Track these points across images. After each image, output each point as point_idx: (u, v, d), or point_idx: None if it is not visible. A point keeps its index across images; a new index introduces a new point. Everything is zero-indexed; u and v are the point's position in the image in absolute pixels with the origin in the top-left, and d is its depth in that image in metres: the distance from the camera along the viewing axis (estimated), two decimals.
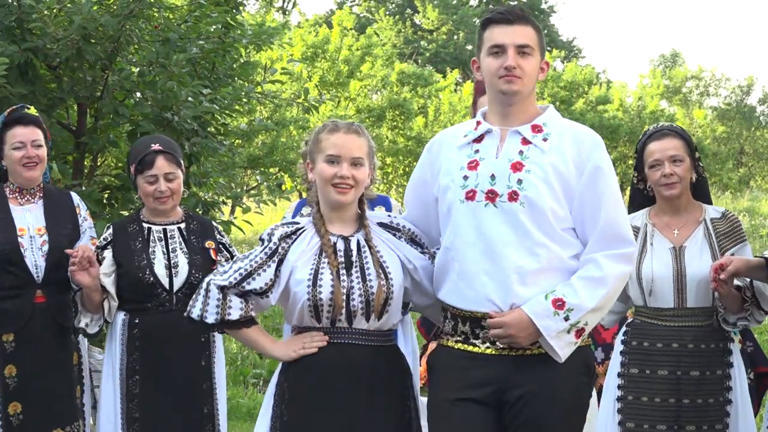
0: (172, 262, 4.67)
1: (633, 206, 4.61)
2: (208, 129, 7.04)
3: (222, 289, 3.55)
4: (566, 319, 3.45)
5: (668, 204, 4.44)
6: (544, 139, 3.57)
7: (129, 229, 4.75)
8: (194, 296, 3.65)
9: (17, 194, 4.80)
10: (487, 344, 3.54)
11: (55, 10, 6.58)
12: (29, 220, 4.75)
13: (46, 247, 4.71)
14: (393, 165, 24.08)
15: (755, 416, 4.52)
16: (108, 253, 4.68)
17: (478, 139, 3.64)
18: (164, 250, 4.69)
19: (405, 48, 39.13)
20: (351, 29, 26.80)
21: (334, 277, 3.52)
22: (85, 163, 7.10)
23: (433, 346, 4.37)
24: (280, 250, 3.58)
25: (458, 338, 3.60)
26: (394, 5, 45.48)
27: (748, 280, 4.28)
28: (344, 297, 3.53)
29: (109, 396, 4.71)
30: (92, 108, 6.78)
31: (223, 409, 4.76)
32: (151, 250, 4.68)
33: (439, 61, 40.10)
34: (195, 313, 3.60)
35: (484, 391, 3.52)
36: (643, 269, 4.37)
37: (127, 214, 6.72)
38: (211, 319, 3.56)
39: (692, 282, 4.31)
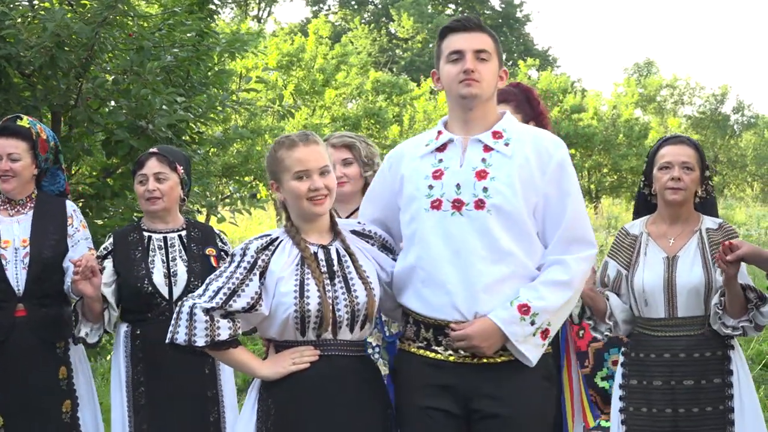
0: (171, 270, 4.60)
1: (637, 213, 4.64)
2: (183, 137, 7.00)
3: (208, 311, 3.45)
4: (532, 323, 3.47)
5: (668, 211, 4.43)
6: (506, 144, 3.59)
7: (129, 238, 4.68)
8: (174, 321, 3.51)
9: (7, 205, 4.73)
10: (450, 351, 3.55)
11: (28, 18, 6.54)
12: (16, 231, 4.67)
13: (28, 260, 4.62)
14: None
15: None
16: (108, 263, 4.61)
17: (441, 148, 3.65)
18: (164, 258, 4.62)
19: (380, 56, 39.21)
20: (326, 38, 26.78)
21: (320, 289, 3.49)
22: None
23: None
24: (260, 262, 3.52)
25: (420, 344, 3.60)
26: (369, 14, 45.56)
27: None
28: (331, 308, 3.49)
29: (118, 408, 4.66)
30: (66, 116, 6.73)
31: (231, 415, 4.66)
32: (150, 259, 4.61)
33: (413, 69, 40.18)
34: (180, 338, 3.47)
35: (448, 400, 3.53)
36: (635, 280, 4.38)
37: (101, 223, 6.68)
38: (200, 342, 3.44)
39: (682, 291, 4.30)
